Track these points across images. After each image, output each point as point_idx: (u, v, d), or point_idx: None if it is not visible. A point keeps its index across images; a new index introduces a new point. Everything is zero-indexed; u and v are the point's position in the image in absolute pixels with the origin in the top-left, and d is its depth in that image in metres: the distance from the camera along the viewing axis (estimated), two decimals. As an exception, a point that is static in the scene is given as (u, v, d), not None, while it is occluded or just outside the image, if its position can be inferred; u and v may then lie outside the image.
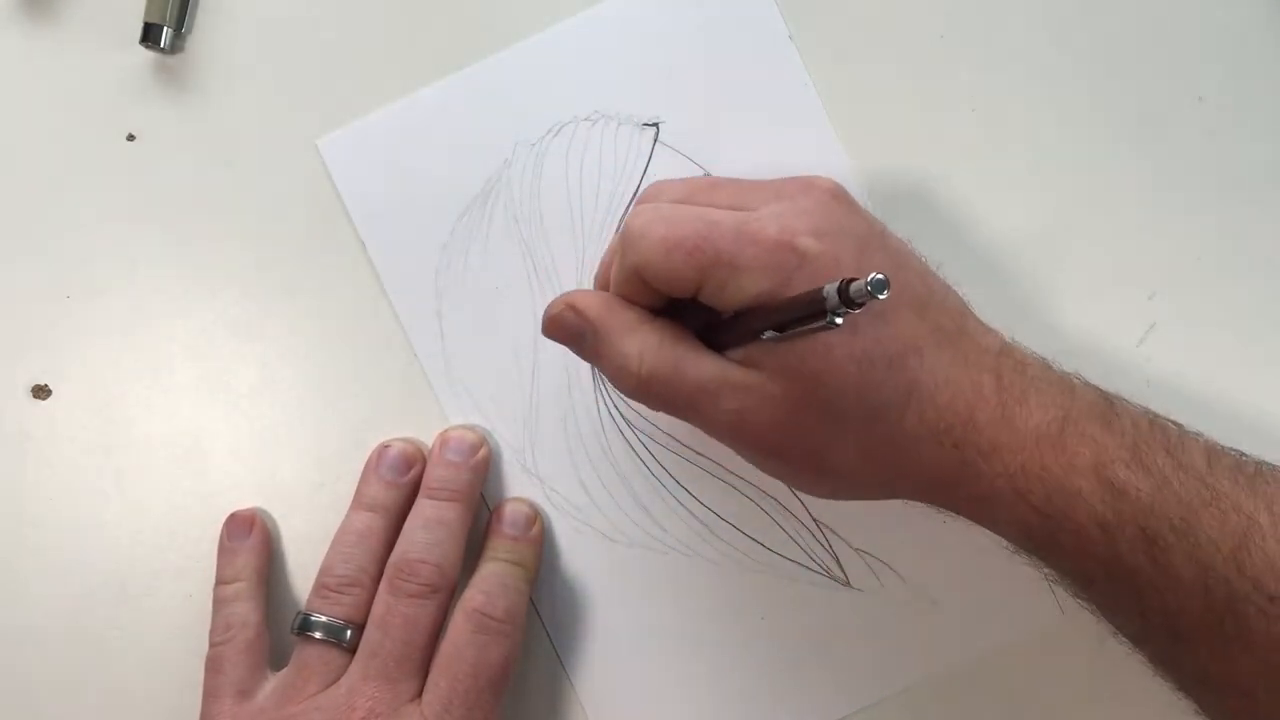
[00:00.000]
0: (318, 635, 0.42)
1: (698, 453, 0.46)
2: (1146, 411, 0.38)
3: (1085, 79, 0.46)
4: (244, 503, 0.46)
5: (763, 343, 0.36)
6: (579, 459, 0.46)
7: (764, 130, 0.46)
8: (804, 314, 0.34)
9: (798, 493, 0.46)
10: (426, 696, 0.42)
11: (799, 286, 0.35)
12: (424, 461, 0.45)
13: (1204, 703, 0.37)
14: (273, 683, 0.43)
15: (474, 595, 0.43)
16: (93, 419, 0.46)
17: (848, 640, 0.46)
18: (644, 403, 0.39)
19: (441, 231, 0.46)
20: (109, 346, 0.47)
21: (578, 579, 0.46)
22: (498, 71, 0.46)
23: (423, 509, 0.44)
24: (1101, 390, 0.38)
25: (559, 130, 0.46)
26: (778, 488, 0.46)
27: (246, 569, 0.45)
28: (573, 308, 0.39)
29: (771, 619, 0.46)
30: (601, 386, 0.46)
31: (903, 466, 0.37)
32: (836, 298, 0.31)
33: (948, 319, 0.38)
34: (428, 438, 0.46)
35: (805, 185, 0.38)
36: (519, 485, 0.46)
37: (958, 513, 0.38)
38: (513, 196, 0.46)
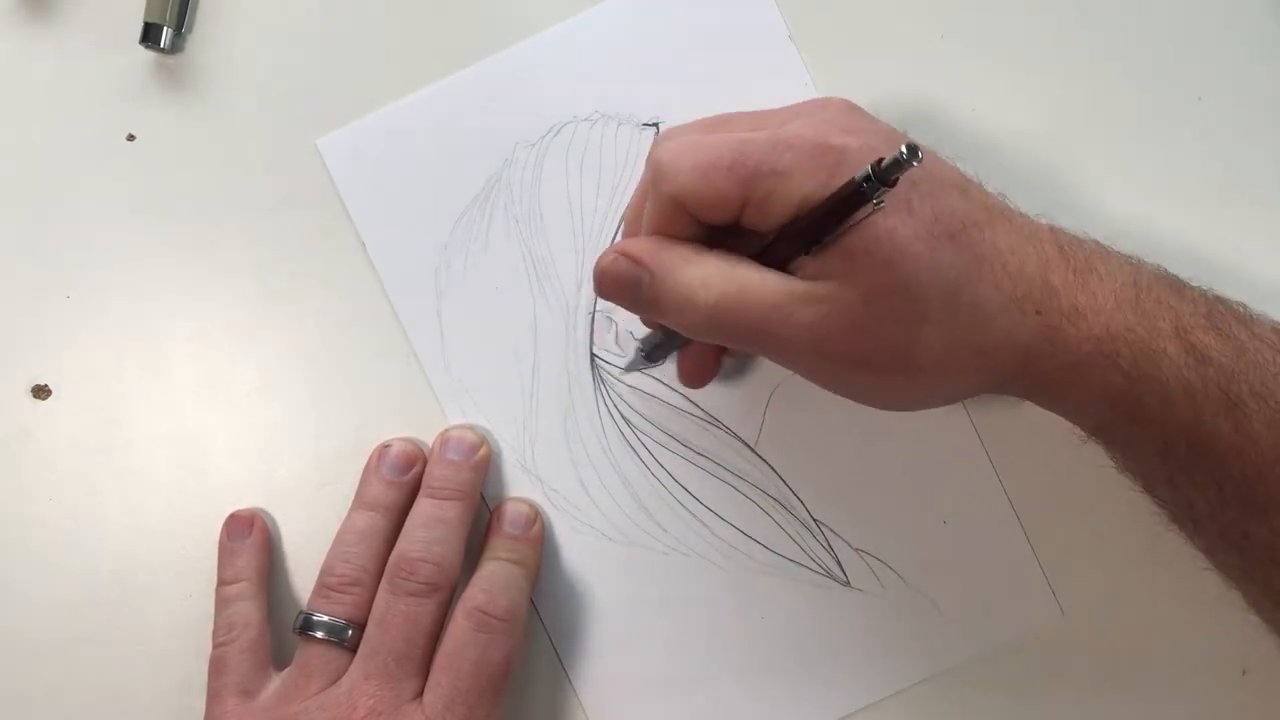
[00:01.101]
0: (319, 634, 0.42)
1: (698, 453, 0.46)
2: (1210, 288, 0.38)
3: (1085, 79, 0.46)
4: (244, 503, 0.46)
5: (823, 253, 0.35)
6: (579, 459, 0.46)
7: (764, 130, 0.46)
8: (846, 209, 0.33)
9: (797, 492, 0.46)
10: (428, 695, 0.42)
11: (843, 179, 0.34)
12: (424, 461, 0.45)
13: (1269, 583, 0.37)
14: (276, 682, 0.43)
15: (475, 594, 0.43)
16: (93, 419, 0.46)
17: (848, 640, 0.46)
18: (714, 337, 0.38)
19: (441, 231, 0.46)
20: (109, 346, 0.47)
21: (578, 579, 0.46)
22: (498, 71, 0.46)
23: (423, 508, 0.44)
24: (1160, 266, 0.38)
25: (559, 130, 0.46)
26: (778, 488, 0.46)
27: (248, 569, 0.45)
28: (625, 254, 0.38)
29: (771, 619, 0.46)
30: (602, 386, 0.46)
31: (988, 345, 0.36)
32: (873, 176, 0.32)
33: (991, 200, 0.38)
34: (428, 438, 0.46)
35: (821, 103, 0.39)
36: (519, 485, 0.46)
37: (1042, 394, 0.38)
38: (513, 196, 0.46)
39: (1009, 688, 0.45)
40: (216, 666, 0.43)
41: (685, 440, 0.46)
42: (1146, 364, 0.36)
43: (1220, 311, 0.37)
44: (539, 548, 0.45)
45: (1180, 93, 0.46)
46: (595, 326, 0.46)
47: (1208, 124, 0.46)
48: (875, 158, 0.33)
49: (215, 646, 0.44)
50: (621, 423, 0.46)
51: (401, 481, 0.45)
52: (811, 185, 0.35)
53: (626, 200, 0.46)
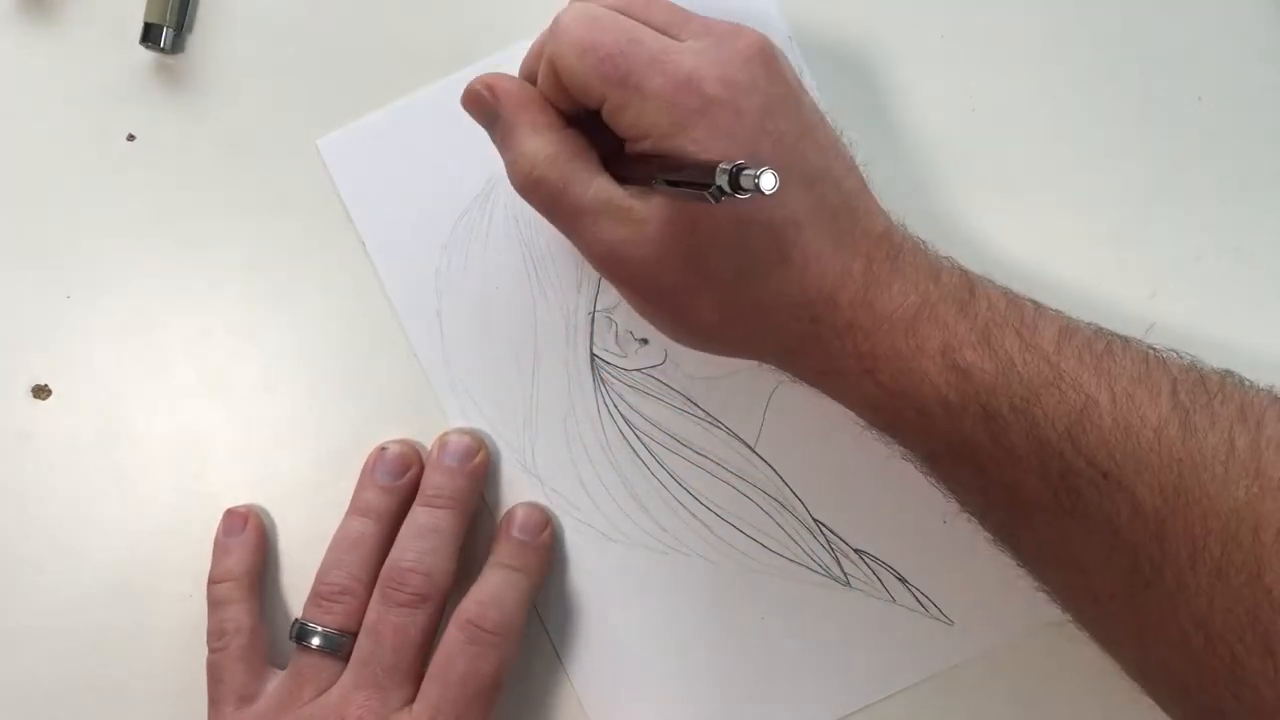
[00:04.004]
0: (312, 644, 0.43)
1: (698, 452, 0.46)
2: (1007, 291, 0.38)
3: (1085, 79, 0.46)
4: (242, 502, 0.46)
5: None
6: (579, 459, 0.46)
7: (764, 130, 0.46)
8: (693, 177, 0.33)
9: (797, 492, 0.46)
10: (418, 705, 0.42)
11: (694, 129, 0.35)
12: (421, 464, 0.45)
13: (1042, 576, 0.39)
14: (273, 686, 0.43)
15: (469, 605, 0.43)
16: (93, 419, 0.46)
17: (848, 640, 0.46)
18: (528, 203, 0.39)
19: (441, 231, 0.46)
20: (109, 346, 0.47)
21: (578, 579, 0.46)
22: (498, 71, 0.46)
23: (417, 516, 0.44)
24: (968, 274, 0.38)
25: (559, 130, 0.46)
26: (778, 488, 0.46)
27: (238, 567, 0.45)
28: (490, 89, 0.39)
29: (771, 619, 0.46)
30: (602, 386, 0.46)
31: (757, 331, 0.38)
32: (725, 179, 0.31)
33: (837, 196, 0.38)
34: (428, 438, 0.46)
35: (734, 32, 0.38)
36: (519, 485, 0.46)
37: (810, 384, 0.40)
38: (513, 196, 0.46)
39: (1009, 688, 0.46)
40: (213, 674, 0.43)
41: (685, 440, 0.46)
42: (905, 380, 0.37)
43: (1000, 325, 0.36)
44: (546, 555, 0.45)
45: (1180, 93, 0.46)
46: (595, 326, 0.46)
47: (1208, 124, 0.46)
48: (737, 118, 0.34)
49: (210, 652, 0.44)
50: (621, 423, 0.46)
51: (396, 486, 0.44)
52: (662, 121, 0.35)
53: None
